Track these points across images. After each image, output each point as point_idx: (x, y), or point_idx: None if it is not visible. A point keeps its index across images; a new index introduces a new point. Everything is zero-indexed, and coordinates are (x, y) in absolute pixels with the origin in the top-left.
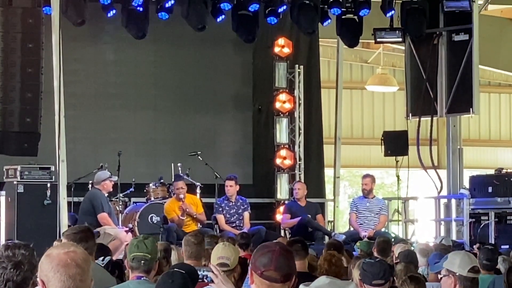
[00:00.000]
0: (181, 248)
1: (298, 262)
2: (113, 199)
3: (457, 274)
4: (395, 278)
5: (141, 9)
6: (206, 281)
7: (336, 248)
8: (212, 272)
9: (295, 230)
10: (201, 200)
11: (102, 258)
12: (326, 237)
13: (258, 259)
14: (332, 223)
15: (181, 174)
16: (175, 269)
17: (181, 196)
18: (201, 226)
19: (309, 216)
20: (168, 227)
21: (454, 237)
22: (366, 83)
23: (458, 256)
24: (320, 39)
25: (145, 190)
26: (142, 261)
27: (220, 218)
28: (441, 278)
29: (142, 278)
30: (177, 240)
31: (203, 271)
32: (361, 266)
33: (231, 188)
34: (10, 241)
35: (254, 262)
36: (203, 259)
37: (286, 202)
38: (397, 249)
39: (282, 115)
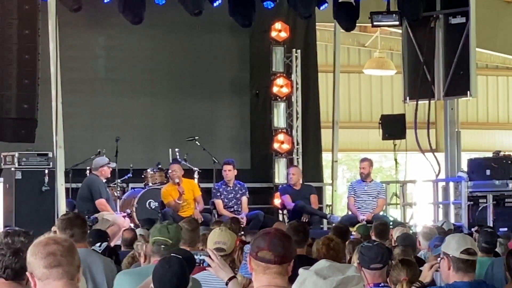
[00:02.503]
0: None
1: (299, 250)
2: (111, 185)
3: (450, 255)
4: (393, 261)
5: None
6: (203, 265)
7: (341, 232)
8: (209, 256)
9: (291, 217)
10: (199, 185)
11: (99, 244)
12: (325, 221)
13: (254, 242)
14: (331, 207)
15: (179, 159)
16: (172, 254)
17: (176, 180)
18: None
19: (302, 201)
20: (164, 212)
21: (452, 220)
22: (363, 67)
23: (454, 238)
24: (317, 23)
25: (143, 176)
26: (162, 246)
27: (218, 203)
28: (440, 260)
29: None
30: None
31: (200, 256)
32: (359, 250)
33: (230, 172)
34: (10, 228)
35: (251, 246)
36: (200, 245)
37: (280, 186)
38: (395, 233)
39: (279, 99)
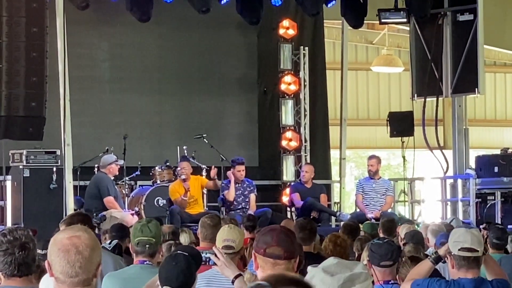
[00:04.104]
0: (192, 231)
1: (305, 247)
2: (119, 183)
3: (452, 253)
4: (402, 259)
5: None
6: (209, 264)
7: (351, 230)
8: (215, 255)
9: (300, 213)
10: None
11: (109, 241)
12: (333, 218)
13: (260, 239)
14: (339, 205)
15: (188, 157)
16: (178, 251)
17: (183, 176)
18: (207, 209)
19: (312, 198)
20: (171, 210)
21: (460, 218)
22: (371, 64)
23: (454, 235)
24: (324, 21)
25: (151, 173)
26: (147, 245)
27: (228, 192)
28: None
29: (145, 263)
30: (182, 223)
31: (206, 254)
32: (369, 247)
33: (243, 172)
34: (2, 230)
35: (257, 244)
36: None
37: (292, 183)
38: (402, 230)
39: (287, 97)
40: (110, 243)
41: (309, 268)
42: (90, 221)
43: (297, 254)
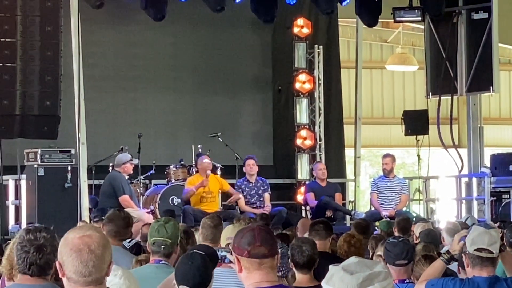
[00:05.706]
0: None
1: (319, 242)
2: (134, 182)
3: (467, 252)
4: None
5: None
6: (225, 262)
7: (362, 228)
8: (231, 253)
9: (314, 212)
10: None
11: (129, 240)
12: (348, 217)
13: (241, 242)
14: (353, 203)
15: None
16: (194, 250)
17: (208, 172)
18: (222, 208)
19: (327, 197)
20: (184, 209)
21: (475, 216)
22: (386, 63)
23: (474, 232)
24: (339, 19)
25: (165, 172)
26: (162, 246)
27: (240, 199)
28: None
29: (160, 262)
30: (195, 222)
31: (222, 252)
32: (384, 246)
33: (253, 166)
34: (31, 225)
35: (237, 247)
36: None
37: (307, 182)
38: (417, 229)
39: (302, 95)
40: (129, 242)
41: (330, 266)
42: (127, 223)
43: (278, 249)
